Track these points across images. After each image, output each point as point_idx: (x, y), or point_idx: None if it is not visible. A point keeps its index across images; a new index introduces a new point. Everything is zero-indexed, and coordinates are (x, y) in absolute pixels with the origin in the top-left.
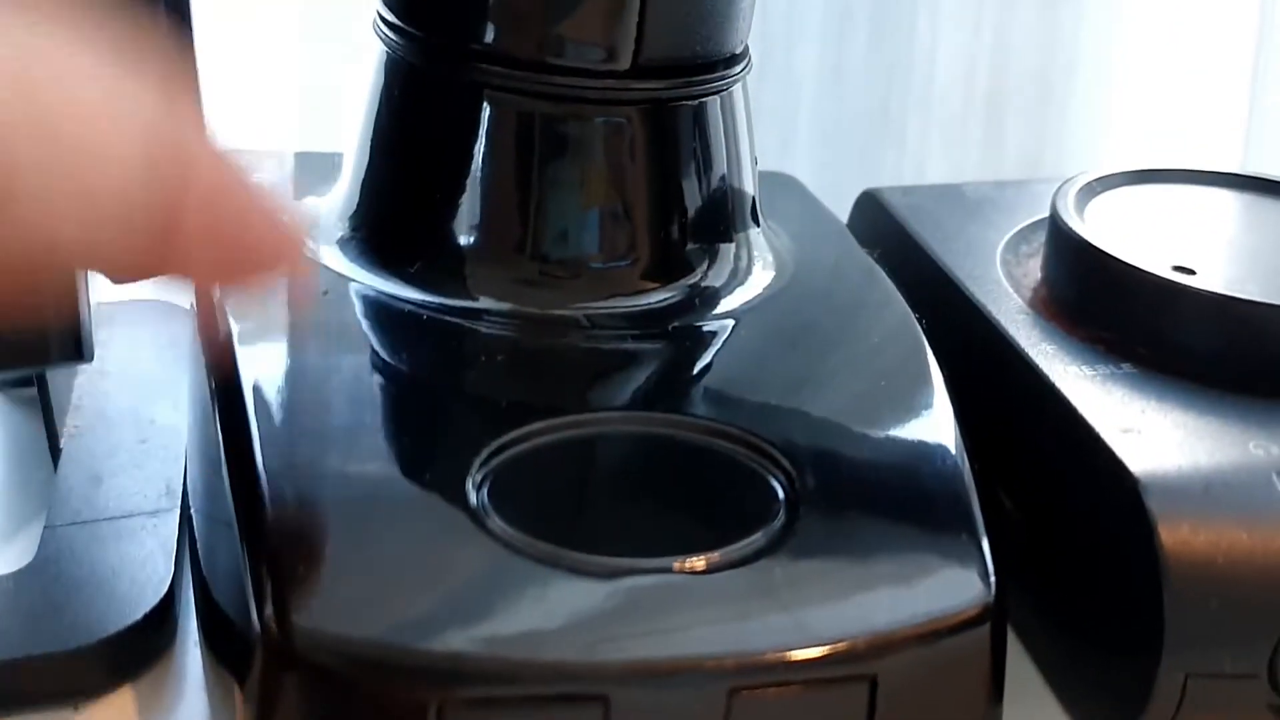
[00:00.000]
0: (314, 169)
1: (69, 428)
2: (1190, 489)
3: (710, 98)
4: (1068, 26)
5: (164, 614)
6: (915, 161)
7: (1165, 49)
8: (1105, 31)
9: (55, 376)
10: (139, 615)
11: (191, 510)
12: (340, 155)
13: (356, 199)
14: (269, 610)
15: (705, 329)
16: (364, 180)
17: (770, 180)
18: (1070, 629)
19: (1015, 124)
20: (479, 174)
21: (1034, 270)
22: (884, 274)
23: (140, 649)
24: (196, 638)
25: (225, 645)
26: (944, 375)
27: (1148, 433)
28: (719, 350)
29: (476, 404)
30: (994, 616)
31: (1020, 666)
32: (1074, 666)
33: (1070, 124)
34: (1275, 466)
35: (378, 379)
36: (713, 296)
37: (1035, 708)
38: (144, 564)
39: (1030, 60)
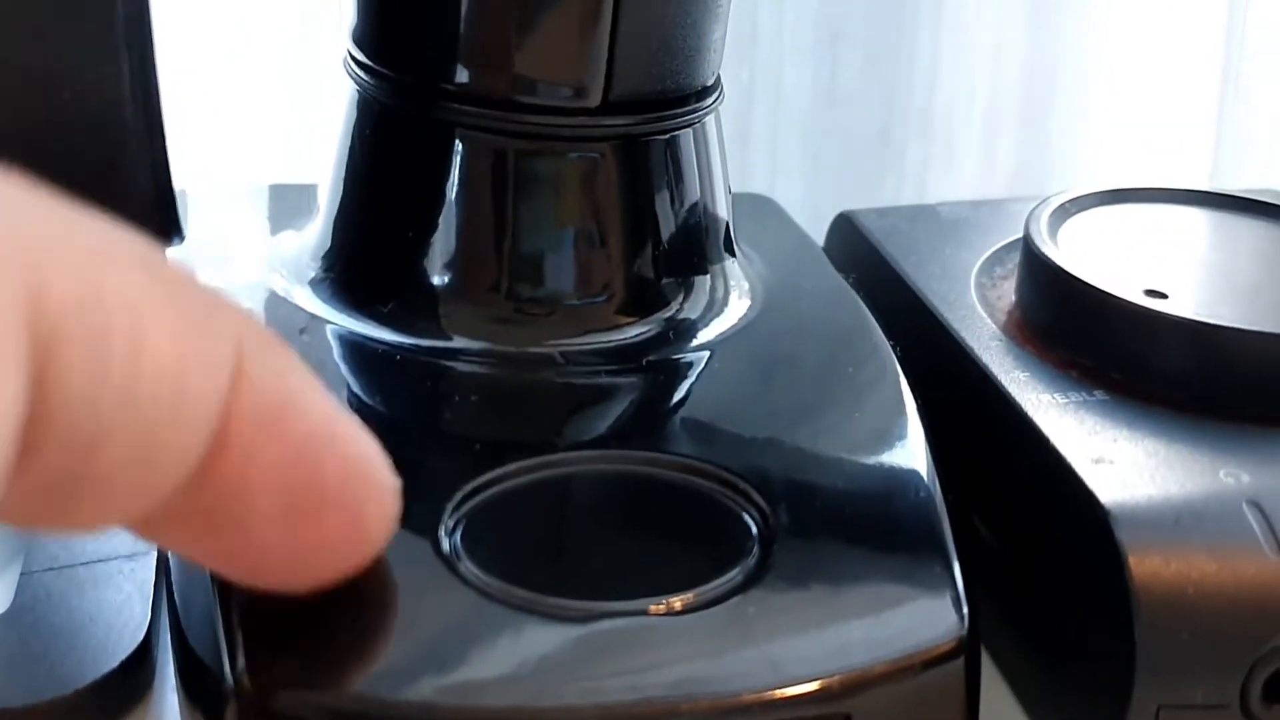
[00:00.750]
0: (290, 201)
1: None
2: (1161, 519)
3: (682, 131)
4: (1069, 47)
5: (141, 660)
6: (915, 184)
7: (1154, 69)
8: (1107, 50)
9: None
10: (116, 663)
11: (169, 554)
12: (316, 188)
13: (329, 238)
14: (240, 665)
15: (681, 362)
16: (336, 219)
17: (747, 203)
18: (1045, 658)
19: (1016, 146)
20: (452, 212)
21: (1008, 293)
22: (859, 300)
23: (118, 696)
24: (174, 683)
25: (201, 694)
26: (918, 403)
27: (1119, 462)
28: (694, 383)
29: (450, 445)
30: (967, 649)
31: (997, 694)
32: (1050, 695)
33: (1070, 145)
34: (1245, 495)
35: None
36: (689, 329)
37: None
38: (120, 610)
39: (1031, 81)
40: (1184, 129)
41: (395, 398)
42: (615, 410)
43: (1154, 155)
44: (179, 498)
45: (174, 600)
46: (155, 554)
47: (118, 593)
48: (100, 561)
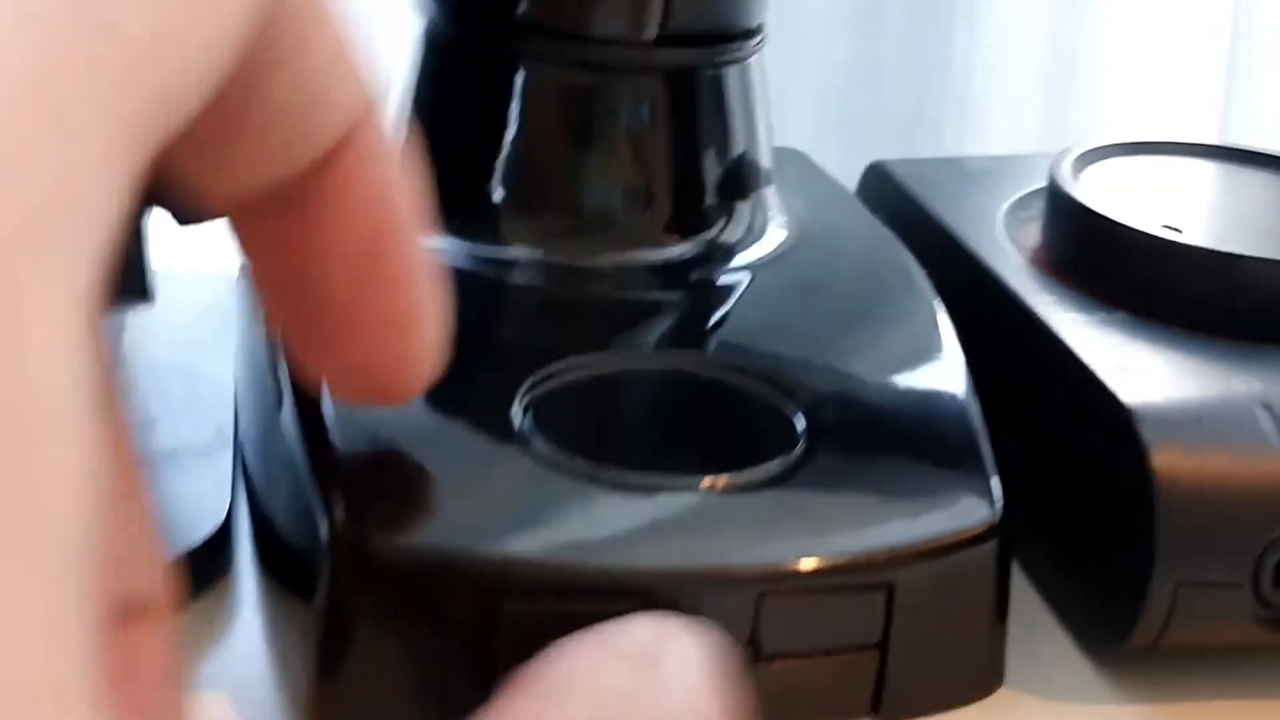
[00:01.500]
0: None
1: (120, 374)
2: (1179, 419)
3: (729, 67)
4: (1096, 30)
5: (222, 540)
6: (953, 146)
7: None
8: (1131, 31)
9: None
10: (198, 540)
11: (246, 454)
12: None
13: None
14: (340, 519)
15: (724, 280)
16: (403, 145)
17: (779, 155)
18: (1068, 553)
19: (1044, 123)
20: (513, 137)
21: (1032, 234)
22: (893, 235)
23: (198, 573)
24: (252, 567)
25: (288, 569)
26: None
27: (1140, 370)
28: (738, 300)
29: (515, 345)
30: (999, 534)
31: (1021, 592)
32: (1071, 587)
33: (1102, 116)
34: (1258, 400)
35: None
36: (730, 251)
37: (1035, 628)
38: (200, 495)
39: (1060, 60)
40: (1198, 98)
41: (463, 303)
42: (665, 321)
43: (1170, 124)
44: (296, 189)
45: (254, 494)
46: (230, 451)
47: (196, 482)
48: (179, 454)
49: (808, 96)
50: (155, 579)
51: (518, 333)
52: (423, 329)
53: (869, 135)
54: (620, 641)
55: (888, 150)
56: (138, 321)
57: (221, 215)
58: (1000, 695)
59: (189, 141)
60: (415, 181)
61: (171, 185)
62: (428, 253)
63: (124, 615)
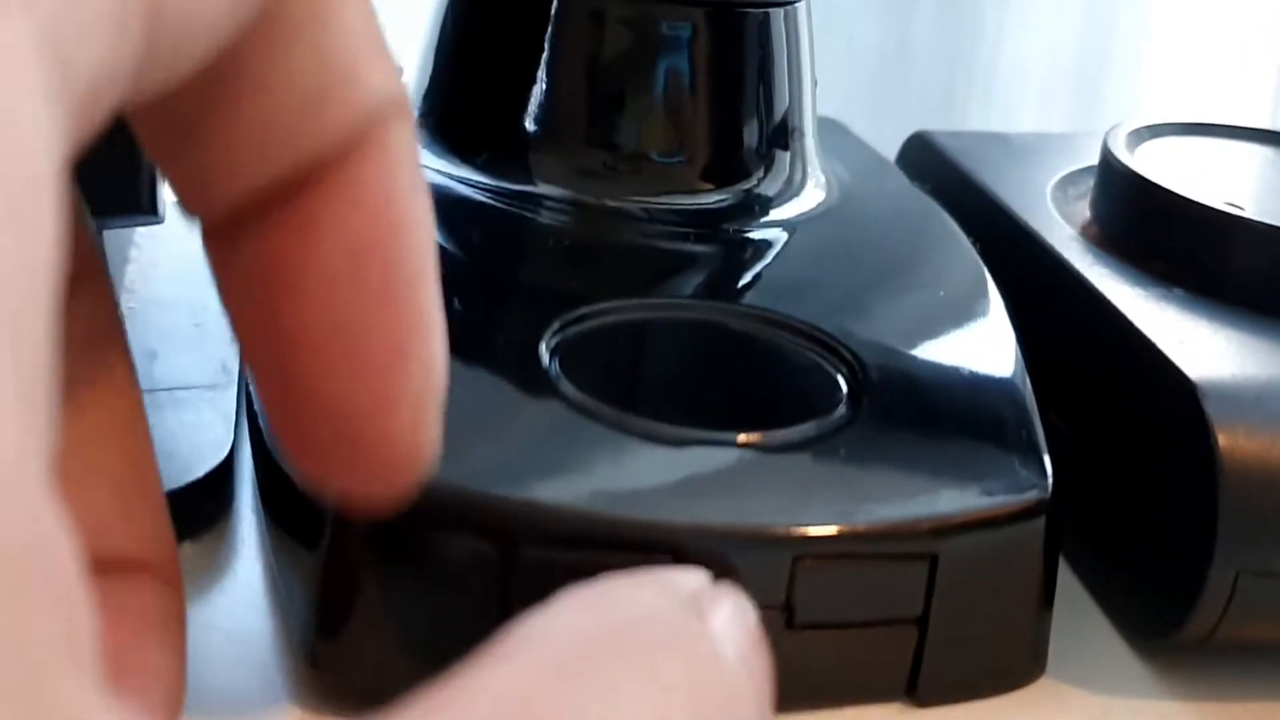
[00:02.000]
0: None
1: (122, 308)
2: (1244, 396)
3: (775, 9)
4: (1126, 19)
5: (223, 476)
6: (979, 125)
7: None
8: (1162, 22)
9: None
10: (199, 474)
11: (252, 389)
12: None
13: (426, 86)
14: None
15: (760, 235)
16: (434, 71)
17: (821, 125)
18: (1119, 539)
19: (1071, 112)
20: (547, 68)
21: (1082, 210)
22: (935, 202)
23: (199, 509)
24: (253, 505)
25: (290, 512)
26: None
27: (1202, 346)
28: (776, 255)
29: (542, 285)
30: (1049, 511)
31: (1063, 581)
32: (1122, 575)
33: (1131, 103)
34: None
35: (446, 259)
36: (766, 204)
37: (1078, 617)
38: (202, 431)
39: (1088, 52)
40: (1239, 91)
41: (486, 240)
42: (698, 271)
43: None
44: (292, 193)
45: (258, 432)
46: (235, 388)
47: (199, 416)
48: (182, 389)
49: (837, 76)
50: (154, 529)
51: (544, 273)
52: (416, 382)
53: (896, 116)
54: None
55: (914, 125)
56: (142, 254)
57: (208, 216)
58: (1041, 685)
59: (181, 120)
60: (429, 200)
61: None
62: (434, 291)
63: (117, 565)
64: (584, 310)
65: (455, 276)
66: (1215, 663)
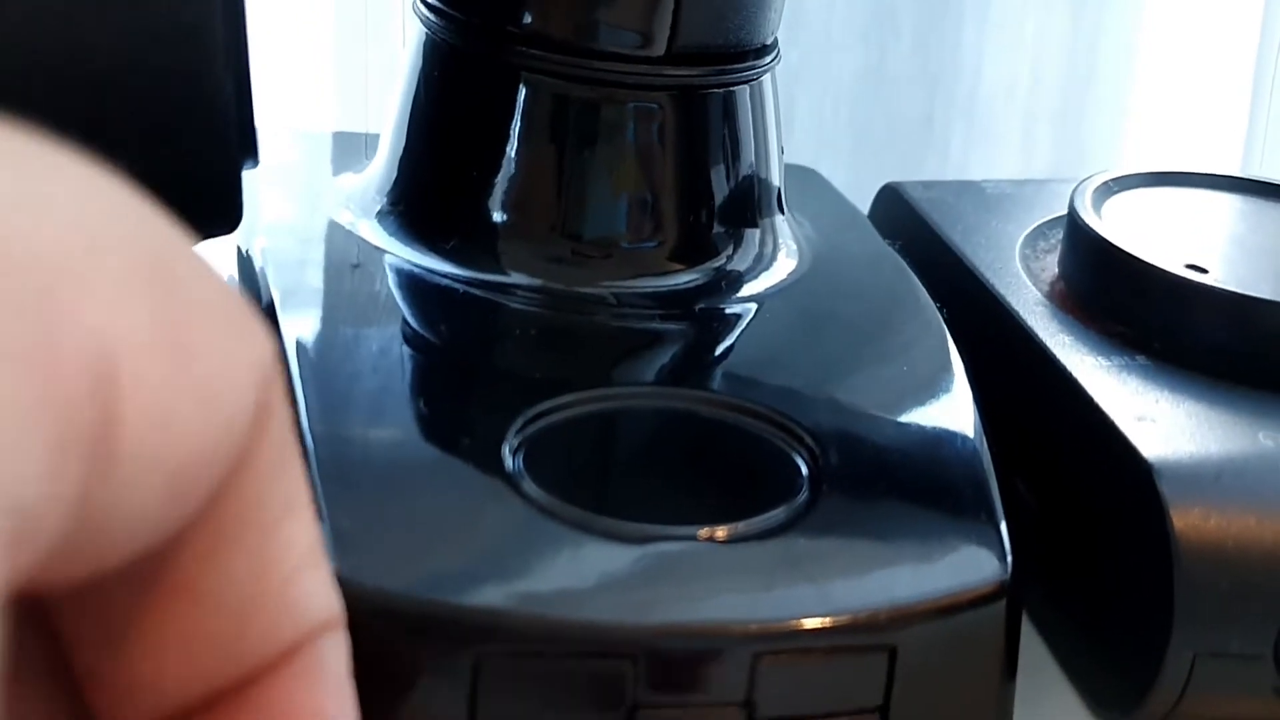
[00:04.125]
0: (351, 148)
1: None
2: (1202, 475)
3: (740, 86)
4: (1109, 41)
5: None
6: (957, 169)
7: (1191, 60)
8: (1145, 45)
9: None
10: None
11: None
12: (377, 136)
13: (395, 174)
14: None
15: (730, 311)
16: (402, 156)
17: (792, 173)
18: (1082, 611)
19: (1054, 136)
20: (514, 153)
21: (1051, 265)
22: (905, 264)
23: None
24: None
25: None
26: (964, 363)
27: (1161, 421)
28: (743, 332)
29: (509, 376)
30: (1010, 593)
31: (1031, 648)
32: (1085, 648)
33: (1107, 136)
34: None
35: (412, 349)
36: (737, 280)
37: (1046, 685)
38: None
39: (1071, 72)
40: (1216, 122)
41: (456, 328)
42: (666, 353)
43: (1186, 148)
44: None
45: None
46: None
47: None
48: None
49: (814, 107)
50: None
51: (513, 362)
52: None
53: (876, 147)
54: None
55: (894, 162)
56: None
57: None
58: None
59: (112, 622)
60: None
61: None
62: None
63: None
64: (546, 405)
65: (421, 369)
66: None
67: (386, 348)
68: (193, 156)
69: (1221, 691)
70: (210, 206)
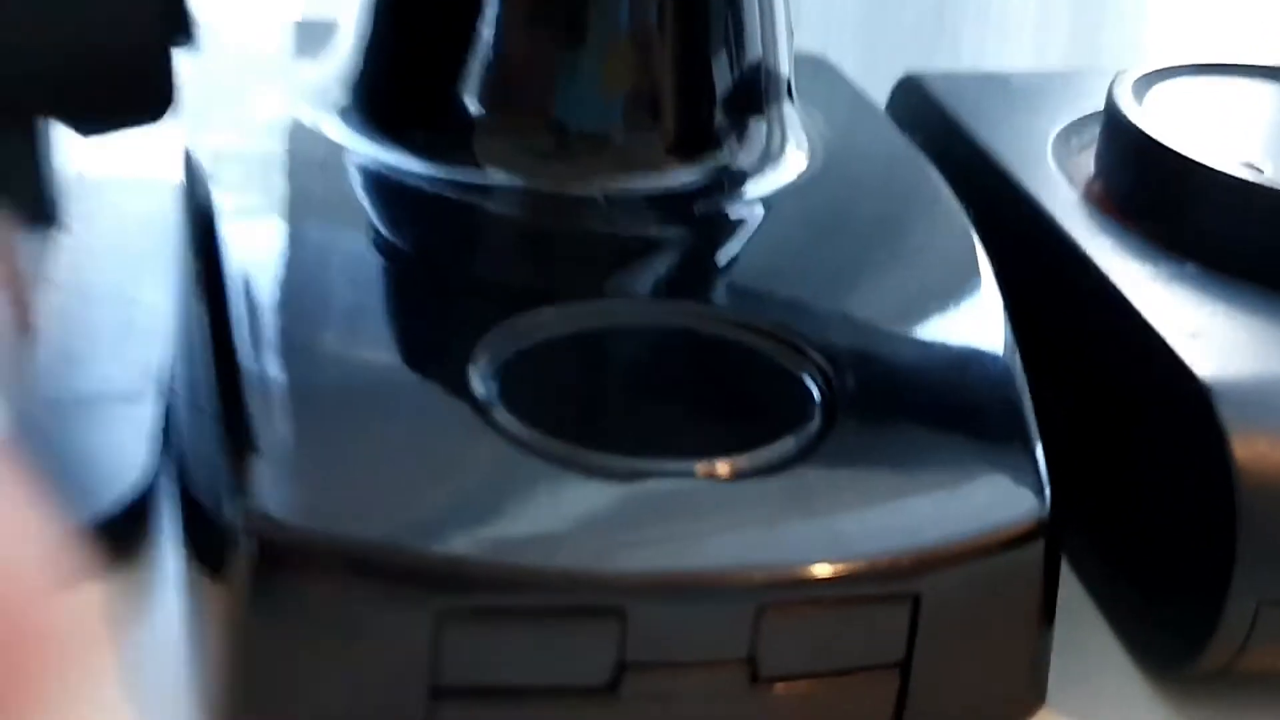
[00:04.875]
0: (313, 37)
1: (46, 303)
2: (1265, 398)
3: None
4: None
5: (141, 507)
6: (972, 59)
7: None
8: None
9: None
10: (113, 507)
11: (173, 398)
12: (339, 23)
13: (360, 64)
14: (250, 504)
15: (733, 214)
16: (368, 44)
17: (802, 63)
18: (1127, 554)
19: (1069, 29)
20: (493, 37)
21: (1087, 164)
22: (927, 161)
23: (114, 544)
24: (175, 536)
25: (206, 546)
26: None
27: (1217, 337)
28: (749, 239)
29: (483, 287)
30: (1048, 533)
31: (1071, 595)
32: (1132, 594)
33: (1124, 31)
34: None
35: (375, 257)
36: (741, 179)
37: (1086, 638)
38: (119, 452)
39: None
40: (1257, 10)
41: (424, 234)
42: (663, 263)
43: (1219, 40)
44: None
45: (180, 449)
46: (158, 397)
47: (116, 435)
48: (99, 401)
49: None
50: None
51: (488, 272)
52: None
53: (885, 42)
54: None
55: (904, 59)
56: (71, 240)
57: None
58: (1041, 717)
59: None
60: None
61: None
62: None
63: None
64: (523, 321)
65: (384, 280)
66: (1237, 694)
67: (346, 257)
68: (106, 27)
69: None
70: (133, 88)
